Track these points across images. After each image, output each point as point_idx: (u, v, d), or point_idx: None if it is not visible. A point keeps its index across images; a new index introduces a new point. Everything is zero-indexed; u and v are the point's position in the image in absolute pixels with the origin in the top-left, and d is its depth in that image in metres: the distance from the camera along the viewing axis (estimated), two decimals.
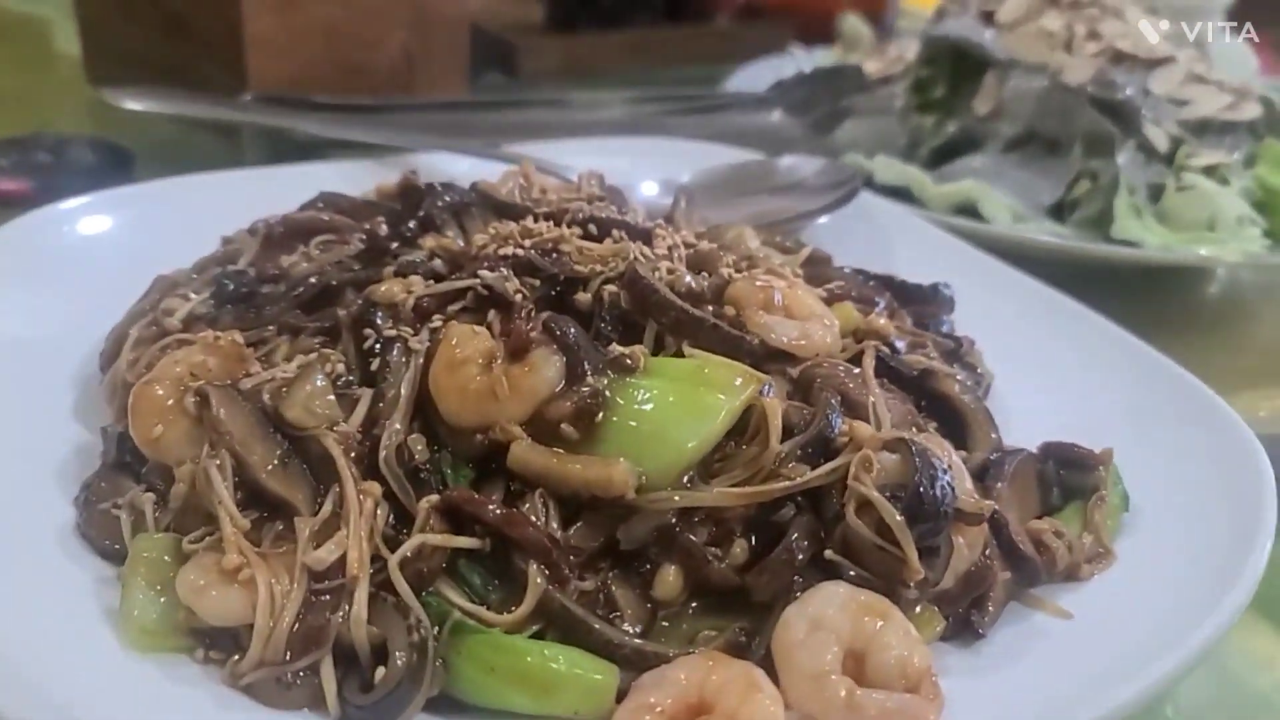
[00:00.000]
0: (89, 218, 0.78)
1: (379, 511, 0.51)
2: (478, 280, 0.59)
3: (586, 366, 0.54)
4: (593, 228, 0.67)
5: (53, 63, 1.43)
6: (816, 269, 0.73)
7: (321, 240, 0.68)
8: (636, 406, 0.53)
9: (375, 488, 0.52)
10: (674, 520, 0.51)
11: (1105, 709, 0.46)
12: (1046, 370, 0.74)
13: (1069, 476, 0.62)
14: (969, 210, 0.97)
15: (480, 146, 0.92)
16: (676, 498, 0.51)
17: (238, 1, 1.07)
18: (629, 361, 0.55)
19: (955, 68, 1.08)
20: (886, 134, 1.06)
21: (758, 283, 0.62)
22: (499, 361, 0.54)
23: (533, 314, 0.57)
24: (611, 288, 0.60)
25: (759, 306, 0.62)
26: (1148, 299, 0.97)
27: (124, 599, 0.49)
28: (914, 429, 0.59)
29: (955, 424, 0.63)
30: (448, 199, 0.69)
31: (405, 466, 0.53)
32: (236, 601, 0.47)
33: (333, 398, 0.55)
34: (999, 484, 0.58)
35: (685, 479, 0.52)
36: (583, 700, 0.46)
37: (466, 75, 1.31)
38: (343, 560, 0.48)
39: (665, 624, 0.51)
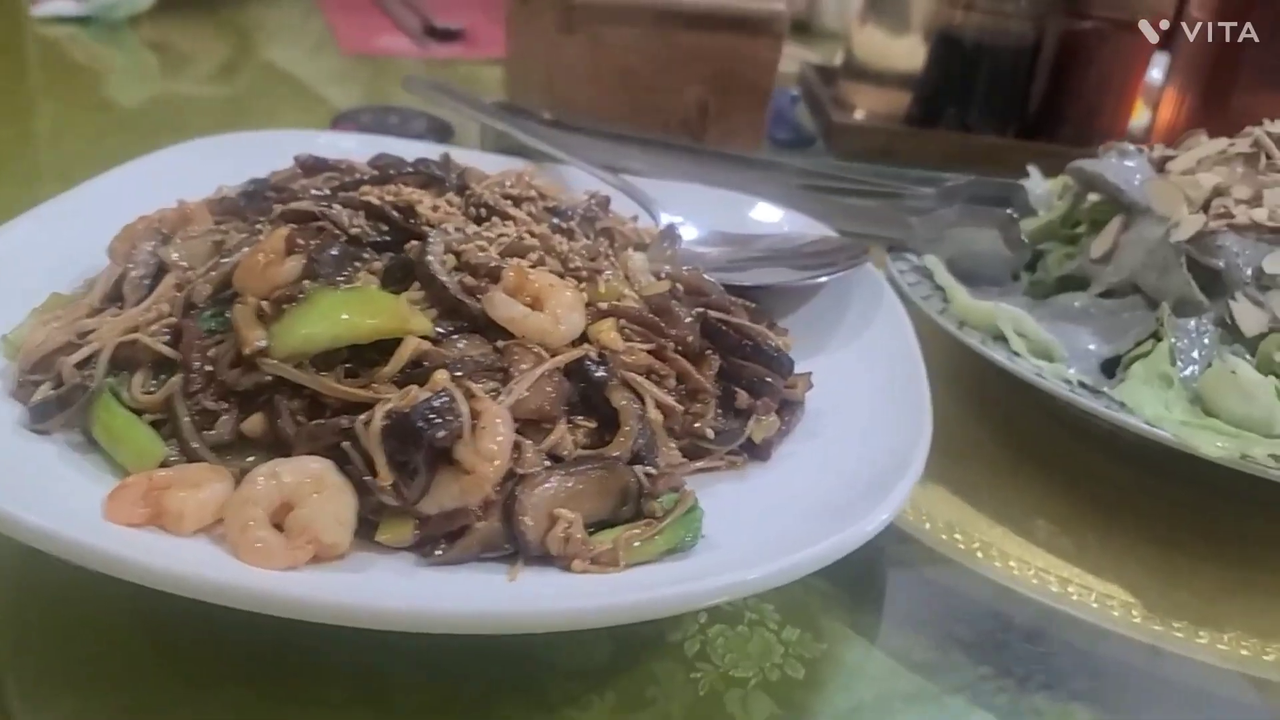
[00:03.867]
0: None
1: (143, 316, 0.75)
2: (321, 209, 0.81)
3: (321, 275, 0.74)
4: (483, 210, 0.85)
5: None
6: (660, 300, 0.82)
7: (327, 175, 0.93)
8: (314, 306, 0.72)
9: (165, 307, 0.76)
10: (267, 380, 0.69)
11: None
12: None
13: (643, 500, 0.67)
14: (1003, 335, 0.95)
15: (603, 171, 1.11)
16: (273, 364, 0.69)
17: (553, 40, 1.37)
18: (338, 280, 0.73)
19: (1105, 209, 1.03)
20: (989, 251, 1.04)
21: (526, 273, 0.76)
22: (275, 257, 0.76)
23: (319, 235, 0.77)
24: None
25: (508, 288, 0.76)
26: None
27: None
28: (555, 413, 0.70)
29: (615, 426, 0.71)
30: (412, 169, 0.91)
31: (187, 302, 0.77)
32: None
33: (203, 254, 0.81)
34: (559, 470, 0.67)
35: (302, 361, 0.69)
36: (132, 457, 0.67)
37: (762, 136, 1.48)
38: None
39: (238, 450, 0.69)
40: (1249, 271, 0.88)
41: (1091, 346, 0.92)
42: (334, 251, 0.75)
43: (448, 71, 1.80)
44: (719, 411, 0.78)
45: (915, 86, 1.58)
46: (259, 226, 0.82)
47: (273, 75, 1.77)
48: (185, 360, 0.71)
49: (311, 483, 0.63)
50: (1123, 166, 1.00)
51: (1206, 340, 0.87)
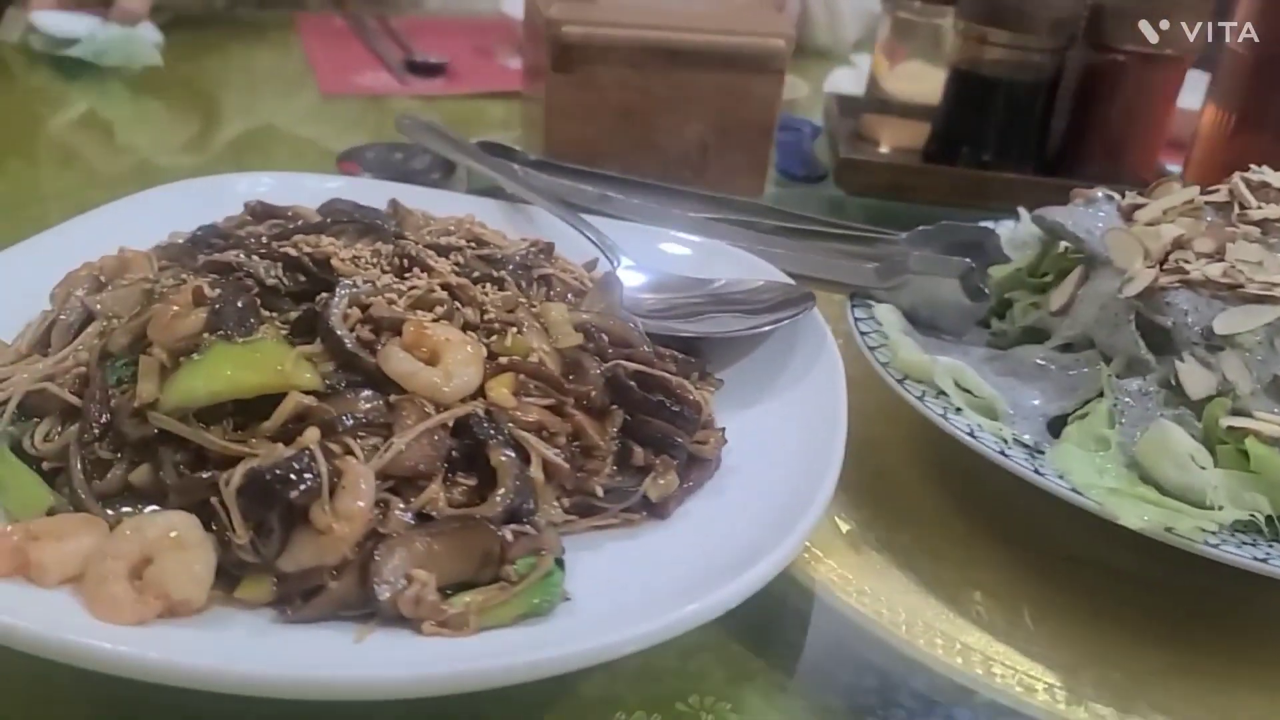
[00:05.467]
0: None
1: (60, 365, 0.78)
2: (237, 262, 0.83)
3: (224, 328, 0.76)
4: (406, 261, 0.86)
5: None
6: (573, 353, 0.82)
7: (272, 222, 0.96)
8: (206, 360, 0.73)
9: (84, 355, 0.79)
10: (152, 434, 0.71)
11: None
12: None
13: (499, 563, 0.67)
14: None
15: (567, 213, 1.11)
16: (157, 417, 0.71)
17: (547, 79, 1.37)
18: (232, 333, 0.75)
19: (1071, 259, 0.99)
20: (950, 300, 1.01)
21: (412, 325, 0.76)
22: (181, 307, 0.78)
23: (212, 285, 0.79)
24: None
25: (406, 343, 0.76)
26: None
27: None
28: (431, 471, 0.70)
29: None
30: (348, 218, 0.93)
31: (103, 350, 0.79)
32: None
33: (131, 303, 0.83)
34: (421, 530, 0.67)
35: (182, 415, 0.71)
36: (17, 504, 0.69)
37: (765, 175, 1.47)
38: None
39: (128, 502, 0.71)
40: (1198, 330, 0.84)
41: (1036, 403, 0.89)
42: (239, 304, 0.77)
43: (436, 109, 1.81)
44: (614, 469, 0.77)
45: (932, 122, 1.55)
46: (184, 277, 0.84)
47: (252, 117, 1.80)
48: (85, 409, 0.74)
49: (172, 537, 0.65)
50: (1087, 214, 0.96)
51: (1149, 403, 0.83)
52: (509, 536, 0.68)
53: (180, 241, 0.95)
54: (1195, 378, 0.82)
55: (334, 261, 0.83)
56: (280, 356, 0.73)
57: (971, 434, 0.84)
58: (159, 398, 0.71)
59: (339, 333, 0.76)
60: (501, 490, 0.71)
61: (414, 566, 0.66)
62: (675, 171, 1.41)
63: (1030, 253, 1.04)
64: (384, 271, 0.85)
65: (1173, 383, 0.84)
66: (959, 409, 0.87)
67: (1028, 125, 1.49)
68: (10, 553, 0.64)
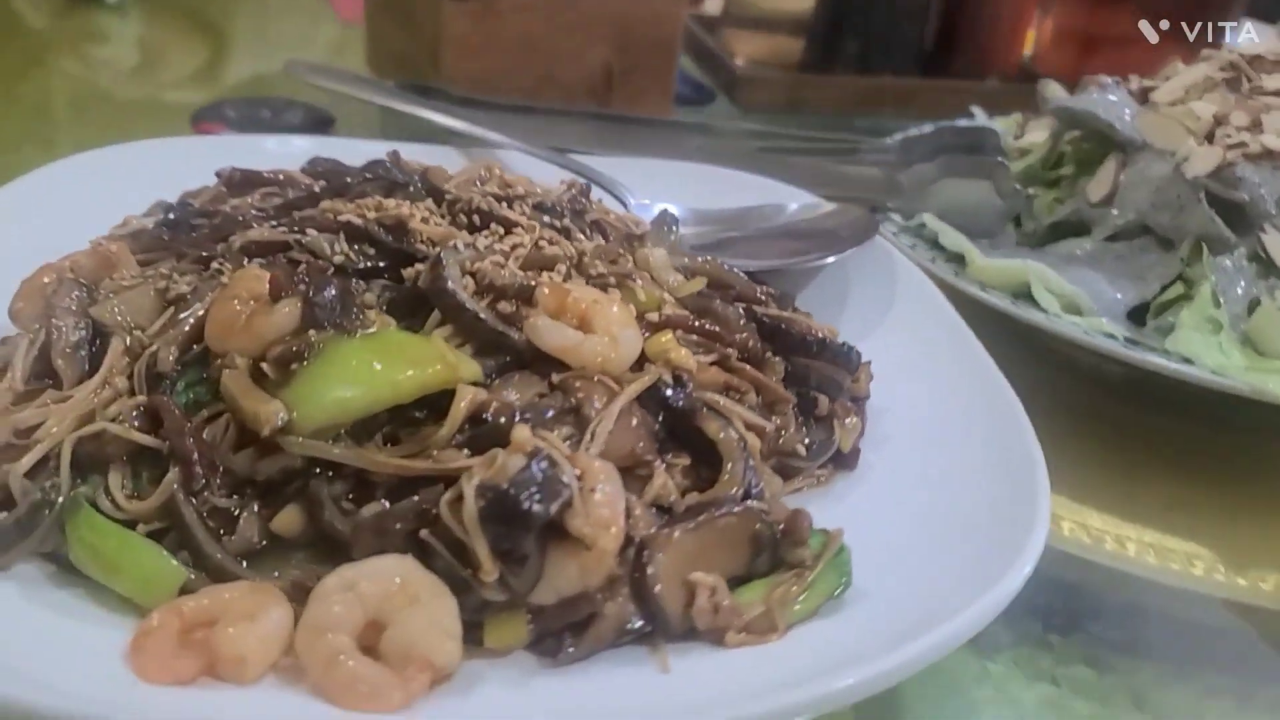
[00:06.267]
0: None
1: (98, 396, 0.60)
2: (294, 236, 0.66)
3: (324, 322, 0.60)
4: (476, 218, 0.72)
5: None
6: (701, 300, 0.72)
7: (264, 191, 0.78)
8: (333, 363, 0.58)
9: (121, 382, 0.61)
10: (299, 465, 0.55)
11: None
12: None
13: (784, 545, 0.57)
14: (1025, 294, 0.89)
15: (549, 152, 0.98)
16: (301, 443, 0.55)
17: (441, 8, 1.22)
18: (348, 325, 0.60)
19: (1091, 147, 0.98)
20: (979, 201, 0.98)
21: (567, 292, 0.64)
22: (257, 302, 0.61)
23: (304, 270, 0.63)
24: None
25: (549, 310, 0.63)
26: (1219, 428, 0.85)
27: None
28: (649, 455, 0.59)
29: (715, 463, 0.60)
30: (369, 175, 0.77)
31: (149, 371, 0.61)
32: None
33: (148, 308, 0.65)
34: (679, 526, 0.56)
35: (332, 435, 0.56)
36: (139, 588, 0.52)
37: (671, 97, 1.38)
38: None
39: (272, 554, 0.55)
40: (1274, 200, 0.85)
41: (1117, 295, 0.87)
42: (330, 290, 0.61)
43: None
44: (799, 421, 0.68)
45: (807, 30, 1.51)
46: (216, 266, 0.66)
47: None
48: (177, 449, 0.56)
49: (400, 592, 0.50)
50: (1108, 102, 0.96)
51: (1242, 279, 0.83)
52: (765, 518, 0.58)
53: (150, 226, 0.75)
54: None
55: (413, 225, 0.68)
56: (428, 346, 0.59)
57: (1088, 334, 0.81)
58: (292, 418, 0.55)
59: (471, 308, 0.62)
60: (730, 465, 0.60)
61: (688, 569, 0.55)
62: (582, 99, 1.30)
63: (1041, 146, 1.02)
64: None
65: (1261, 255, 0.84)
66: (1048, 312, 0.85)
67: (908, 26, 1.49)
68: (194, 649, 0.48)
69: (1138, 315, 0.87)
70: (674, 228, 0.84)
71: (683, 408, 0.62)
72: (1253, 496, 0.82)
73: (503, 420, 0.56)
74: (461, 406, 0.57)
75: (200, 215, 0.76)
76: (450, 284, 0.63)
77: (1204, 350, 0.79)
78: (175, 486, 0.55)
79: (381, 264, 0.67)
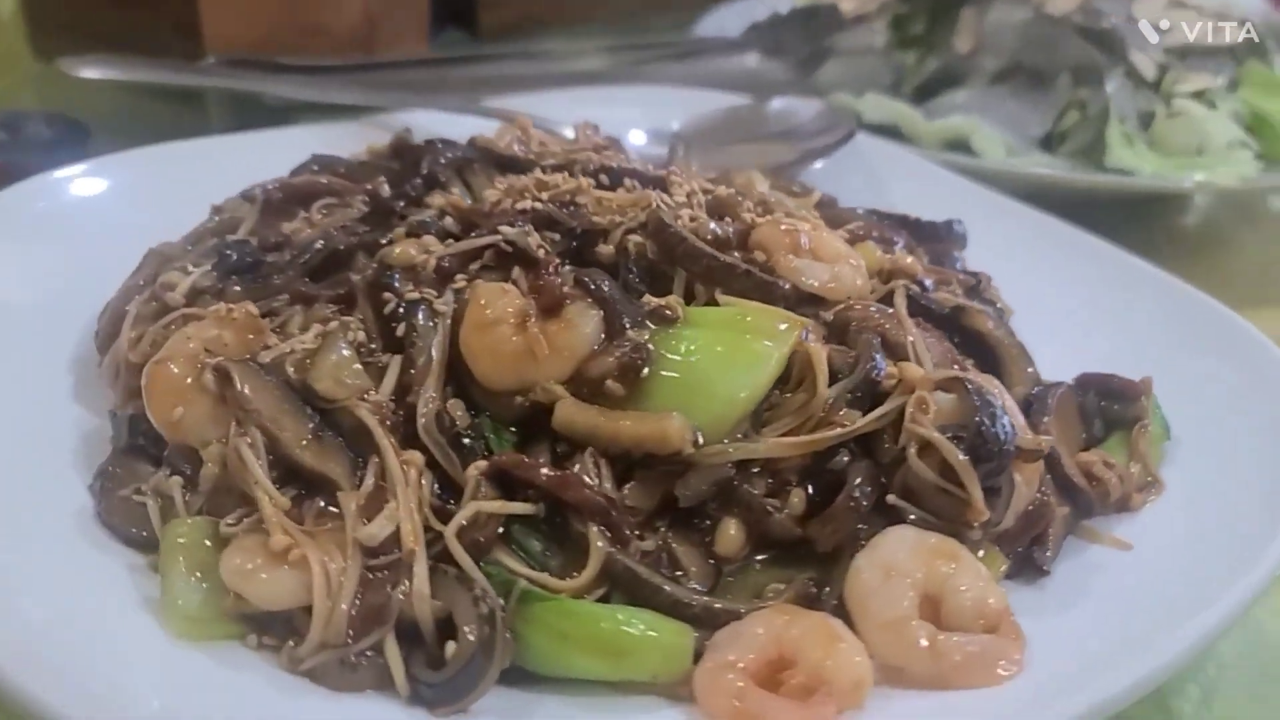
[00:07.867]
0: (63, 191, 0.73)
1: (424, 481, 0.48)
2: (499, 236, 0.56)
3: (625, 320, 0.52)
4: (604, 178, 0.65)
5: None
6: (830, 211, 0.71)
7: (323, 204, 0.65)
8: (681, 358, 0.51)
9: (418, 457, 0.49)
10: (732, 473, 0.49)
11: (1190, 640, 0.45)
12: (1062, 302, 0.73)
13: (1109, 408, 0.61)
14: (960, 145, 0.96)
15: (459, 103, 0.89)
16: (732, 450, 0.49)
17: None
18: (668, 313, 0.53)
19: (934, 2, 1.07)
20: (869, 73, 1.04)
21: (783, 226, 0.60)
22: (532, 320, 0.52)
23: (559, 268, 0.54)
24: (636, 238, 0.58)
25: (787, 250, 0.60)
26: (1134, 227, 0.97)
27: (164, 587, 0.46)
28: (956, 367, 0.58)
29: (990, 360, 0.62)
30: (450, 155, 0.66)
31: (446, 434, 0.50)
32: (288, 583, 0.45)
33: (359, 366, 0.53)
34: (1044, 418, 0.57)
35: (739, 431, 0.50)
36: (661, 663, 0.45)
37: (427, 34, 1.28)
38: (396, 534, 0.46)
39: (730, 580, 0.50)
40: (1126, 22, 0.99)
41: (1030, 132, 0.98)
42: (607, 283, 0.53)
43: None
44: None
45: None
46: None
47: None
48: (587, 505, 0.48)
49: (935, 553, 0.48)
50: None
51: (1125, 94, 0.97)
52: None
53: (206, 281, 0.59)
54: (1146, 62, 0.98)
55: (580, 199, 0.60)
56: (751, 314, 0.54)
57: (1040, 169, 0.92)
58: (695, 435, 0.49)
59: (741, 266, 0.57)
60: (1012, 360, 0.62)
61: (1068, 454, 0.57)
62: (345, 47, 1.17)
63: (878, 12, 1.09)
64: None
65: (1134, 74, 0.98)
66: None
67: None
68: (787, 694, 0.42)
69: (1048, 144, 0.98)
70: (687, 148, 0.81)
71: (946, 311, 0.62)
72: None
73: (848, 368, 0.53)
74: (823, 365, 0.53)
75: (267, 249, 0.61)
76: (699, 244, 0.57)
77: (1135, 161, 0.92)
78: (603, 550, 0.47)
79: (573, 245, 0.59)
